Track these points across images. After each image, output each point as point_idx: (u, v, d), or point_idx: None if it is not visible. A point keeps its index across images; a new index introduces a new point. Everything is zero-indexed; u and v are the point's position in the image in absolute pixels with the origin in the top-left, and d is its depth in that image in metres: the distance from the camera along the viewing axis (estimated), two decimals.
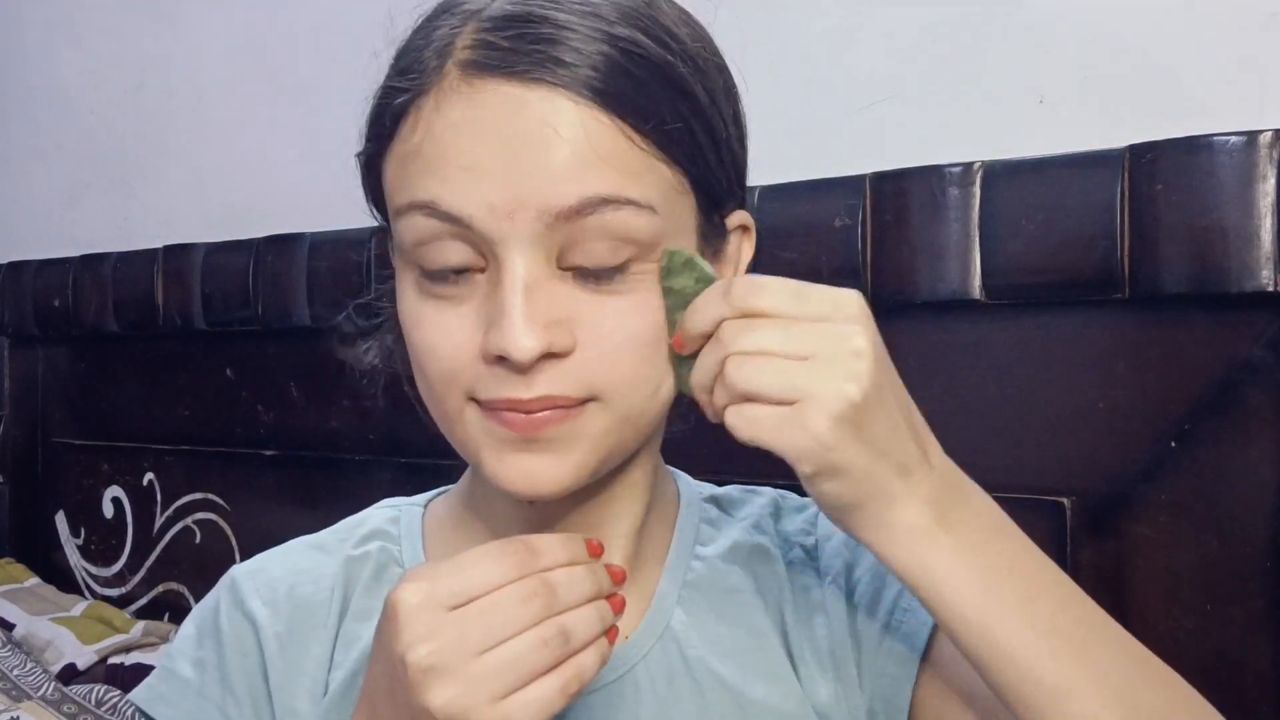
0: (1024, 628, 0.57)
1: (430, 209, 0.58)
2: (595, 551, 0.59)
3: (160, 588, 1.77)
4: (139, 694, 0.72)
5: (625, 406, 0.60)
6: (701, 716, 0.67)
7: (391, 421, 1.43)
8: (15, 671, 1.46)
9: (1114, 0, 1.03)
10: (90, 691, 1.42)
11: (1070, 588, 0.59)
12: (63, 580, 1.89)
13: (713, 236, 0.64)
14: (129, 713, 1.37)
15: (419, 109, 0.59)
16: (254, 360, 1.64)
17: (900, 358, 0.58)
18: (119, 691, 1.41)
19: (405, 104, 0.60)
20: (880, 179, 1.07)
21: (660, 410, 0.64)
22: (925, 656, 0.67)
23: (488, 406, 0.60)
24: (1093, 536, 0.99)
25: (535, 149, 0.57)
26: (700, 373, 0.58)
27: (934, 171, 1.04)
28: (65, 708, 1.39)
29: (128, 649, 1.57)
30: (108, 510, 1.85)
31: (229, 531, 1.68)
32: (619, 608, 0.58)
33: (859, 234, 1.07)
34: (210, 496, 1.70)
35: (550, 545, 0.56)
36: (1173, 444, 0.95)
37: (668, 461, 0.74)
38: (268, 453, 1.62)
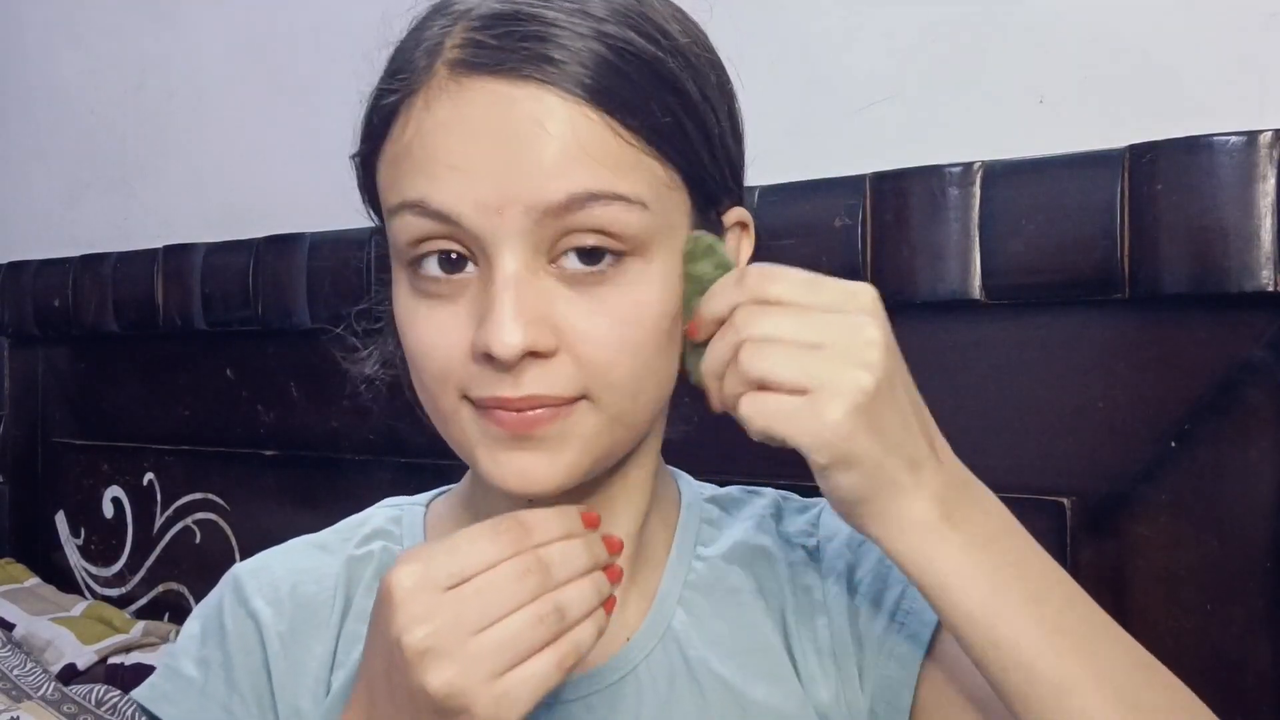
0: (1029, 625, 0.57)
1: (420, 208, 0.58)
2: (592, 523, 0.58)
3: (160, 588, 1.77)
4: (142, 692, 0.72)
5: (617, 405, 0.60)
6: (703, 717, 0.67)
7: (391, 421, 1.43)
8: (15, 671, 1.46)
9: (1114, 0, 1.03)
10: (90, 691, 1.42)
11: (1074, 588, 0.60)
12: (63, 580, 1.89)
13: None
14: (129, 713, 1.37)
15: (409, 109, 0.60)
16: (254, 360, 1.64)
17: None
18: (119, 691, 1.41)
19: (396, 104, 0.60)
20: (880, 179, 1.07)
21: (655, 409, 0.63)
22: (927, 657, 0.67)
23: (480, 405, 0.60)
24: (1093, 536, 0.99)
25: (523, 146, 0.56)
26: (711, 359, 0.58)
27: (934, 171, 1.04)
28: (65, 708, 1.39)
29: (128, 649, 1.57)
30: (108, 510, 1.85)
31: (229, 531, 1.68)
32: (616, 578, 0.58)
33: (859, 234, 1.07)
34: (210, 496, 1.70)
35: (544, 520, 0.56)
36: (1173, 444, 0.95)
37: (669, 462, 0.74)
38: (268, 453, 1.62)
